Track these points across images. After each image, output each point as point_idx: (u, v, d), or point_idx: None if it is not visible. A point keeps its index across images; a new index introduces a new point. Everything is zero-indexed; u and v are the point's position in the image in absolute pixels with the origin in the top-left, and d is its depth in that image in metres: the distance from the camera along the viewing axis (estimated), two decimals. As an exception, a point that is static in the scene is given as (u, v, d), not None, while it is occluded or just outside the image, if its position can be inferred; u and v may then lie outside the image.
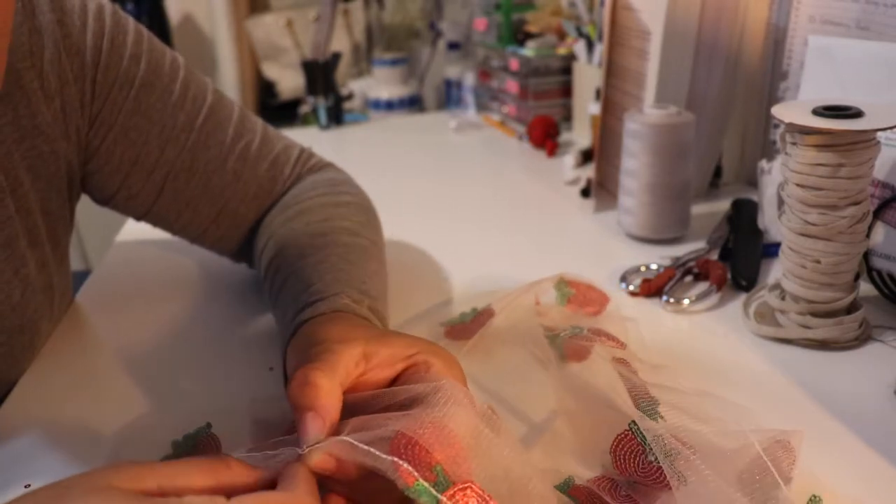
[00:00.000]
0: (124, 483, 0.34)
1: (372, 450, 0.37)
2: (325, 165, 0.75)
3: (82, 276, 0.84)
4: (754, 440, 0.42)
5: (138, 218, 0.69)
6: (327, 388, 0.41)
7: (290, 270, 0.59)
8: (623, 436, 0.44)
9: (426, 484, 0.36)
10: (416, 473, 0.36)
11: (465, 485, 0.37)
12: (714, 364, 0.61)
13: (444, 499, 0.36)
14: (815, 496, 0.43)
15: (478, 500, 0.37)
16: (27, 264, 0.59)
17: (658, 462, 0.42)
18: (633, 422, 0.44)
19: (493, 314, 0.63)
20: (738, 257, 0.75)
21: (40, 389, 0.60)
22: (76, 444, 0.53)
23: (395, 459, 0.37)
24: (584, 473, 0.46)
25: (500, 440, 0.41)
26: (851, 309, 0.62)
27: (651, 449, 0.42)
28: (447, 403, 0.40)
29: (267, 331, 0.67)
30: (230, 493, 0.36)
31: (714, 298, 0.69)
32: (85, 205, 0.68)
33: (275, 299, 0.60)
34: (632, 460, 0.44)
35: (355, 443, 0.38)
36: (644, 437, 0.43)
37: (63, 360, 0.65)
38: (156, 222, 0.69)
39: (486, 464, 0.40)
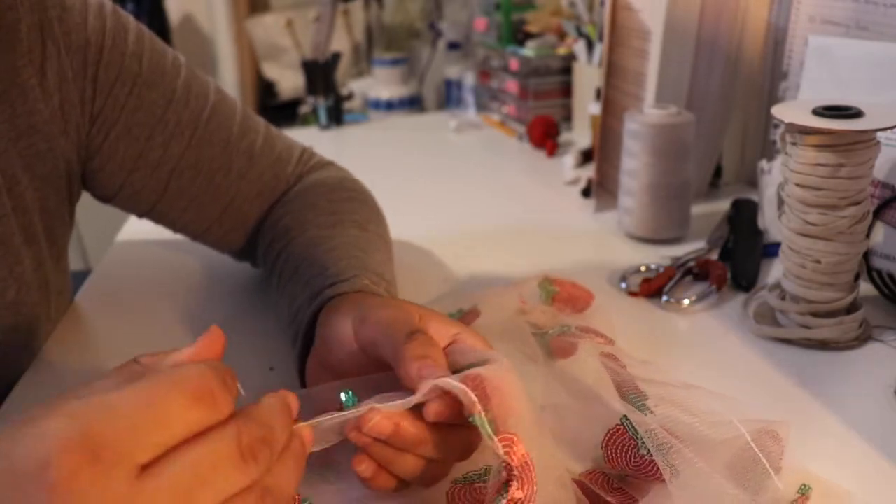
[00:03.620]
0: (121, 446, 0.29)
1: (447, 379, 0.39)
2: (326, 164, 0.75)
3: (82, 275, 0.84)
4: (744, 431, 0.42)
5: (141, 215, 0.68)
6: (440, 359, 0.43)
7: (301, 258, 0.59)
8: (615, 430, 0.44)
9: (485, 419, 0.38)
10: (479, 406, 0.38)
11: (512, 435, 0.39)
12: (714, 364, 0.61)
13: (497, 440, 0.38)
14: (804, 485, 0.44)
15: (521, 455, 0.38)
16: (22, 262, 0.58)
17: (650, 455, 0.42)
18: (626, 416, 0.44)
19: (478, 314, 0.63)
20: (738, 257, 0.75)
21: (39, 390, 0.60)
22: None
23: (466, 389, 0.39)
24: (575, 468, 0.47)
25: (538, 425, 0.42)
26: (851, 309, 0.62)
27: (643, 443, 0.42)
28: (507, 370, 0.42)
29: (267, 331, 0.67)
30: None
31: (714, 298, 0.69)
32: (85, 203, 0.67)
33: (284, 286, 0.60)
34: (624, 454, 0.44)
35: (436, 381, 0.40)
36: (636, 430, 0.43)
37: (62, 360, 0.65)
38: (158, 219, 0.69)
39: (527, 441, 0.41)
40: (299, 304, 0.55)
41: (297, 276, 0.58)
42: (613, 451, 0.44)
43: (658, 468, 0.41)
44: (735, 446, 0.42)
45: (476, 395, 0.39)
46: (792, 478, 0.43)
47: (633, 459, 0.43)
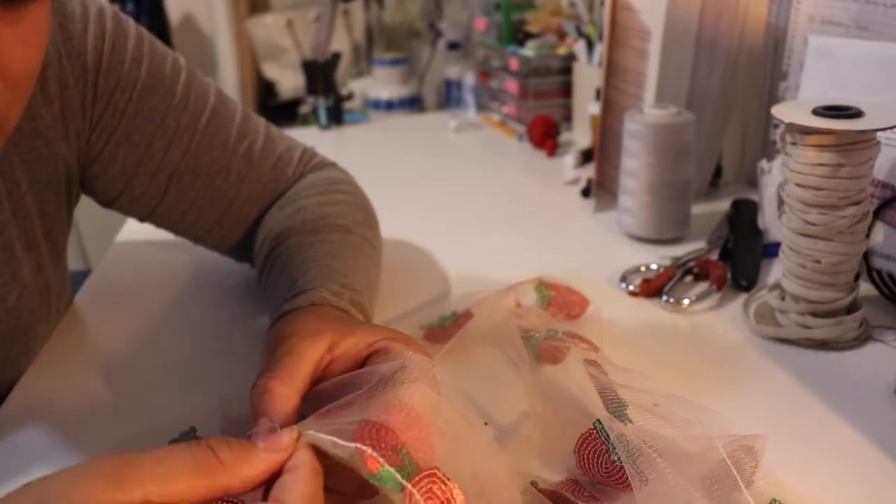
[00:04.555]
0: (108, 493, 0.32)
1: (334, 438, 0.37)
2: (327, 165, 0.75)
3: (82, 276, 0.84)
4: (718, 444, 0.42)
5: (142, 219, 0.68)
6: (283, 395, 0.43)
7: (281, 268, 0.60)
8: (587, 435, 0.44)
9: (391, 469, 0.36)
10: (380, 459, 0.36)
11: (431, 471, 0.37)
12: (714, 364, 0.61)
13: (409, 486, 0.36)
14: (775, 500, 0.43)
15: (440, 487, 0.36)
16: (23, 267, 0.58)
17: (621, 462, 0.42)
18: (598, 420, 0.44)
19: (471, 317, 0.62)
20: (738, 257, 0.75)
21: (38, 392, 0.60)
22: (75, 446, 0.53)
23: (359, 446, 0.36)
24: (549, 477, 0.46)
25: (463, 422, 0.41)
26: (851, 309, 0.62)
27: (614, 448, 0.42)
28: (410, 381, 0.40)
29: (267, 331, 0.67)
30: (226, 492, 0.35)
31: (714, 298, 0.69)
32: (85, 204, 0.67)
33: (268, 296, 0.60)
34: (595, 460, 0.44)
35: (316, 434, 0.37)
36: (608, 435, 0.43)
37: (61, 362, 0.65)
38: (159, 223, 0.69)
39: (451, 445, 0.40)
40: (271, 317, 0.56)
41: (277, 285, 0.59)
42: (585, 455, 0.44)
43: (628, 476, 0.41)
44: (711, 458, 0.42)
45: (376, 444, 0.36)
46: (764, 491, 0.43)
47: (604, 465, 0.43)
